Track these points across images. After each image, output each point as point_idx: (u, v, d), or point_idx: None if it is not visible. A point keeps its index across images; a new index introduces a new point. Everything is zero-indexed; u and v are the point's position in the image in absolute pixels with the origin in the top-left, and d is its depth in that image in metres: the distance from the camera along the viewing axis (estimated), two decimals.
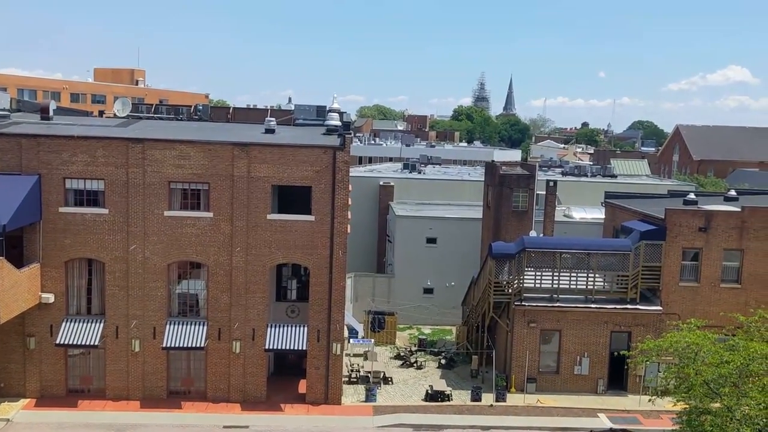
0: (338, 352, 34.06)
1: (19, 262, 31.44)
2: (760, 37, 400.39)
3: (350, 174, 33.74)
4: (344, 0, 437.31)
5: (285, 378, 36.54)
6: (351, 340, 39.77)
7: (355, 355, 40.50)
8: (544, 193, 48.25)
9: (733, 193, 45.48)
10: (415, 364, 40.35)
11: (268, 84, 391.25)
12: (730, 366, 23.38)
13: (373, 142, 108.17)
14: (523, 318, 36.48)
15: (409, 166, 69.42)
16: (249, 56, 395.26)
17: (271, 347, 33.39)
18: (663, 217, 36.82)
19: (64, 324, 32.80)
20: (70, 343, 32.48)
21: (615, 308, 36.59)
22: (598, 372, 36.72)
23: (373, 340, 41.24)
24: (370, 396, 34.87)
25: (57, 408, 32.42)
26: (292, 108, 49.07)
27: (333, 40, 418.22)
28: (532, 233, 42.96)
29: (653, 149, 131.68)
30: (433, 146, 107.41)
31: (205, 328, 33.33)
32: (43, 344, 33.07)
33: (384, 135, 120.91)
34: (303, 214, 33.20)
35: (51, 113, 37.47)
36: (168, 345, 32.81)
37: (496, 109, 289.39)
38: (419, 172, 68.02)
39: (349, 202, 33.99)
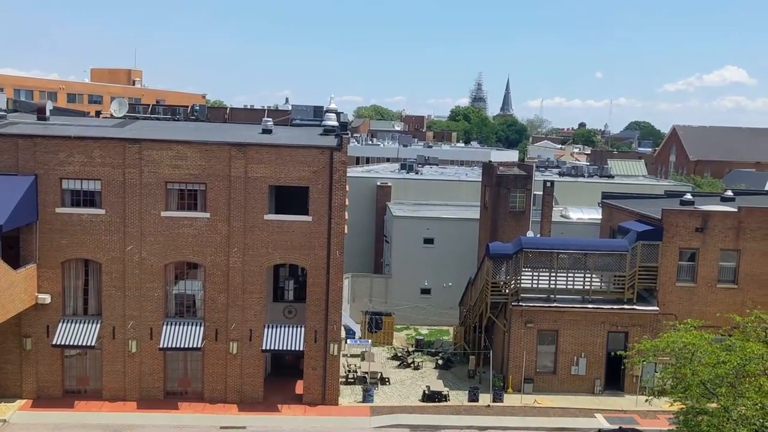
0: (335, 353, 34.04)
1: (15, 262, 31.40)
2: (756, 37, 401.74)
3: (347, 174, 33.69)
4: (342, 1, 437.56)
5: (282, 379, 36.52)
6: (348, 341, 39.77)
7: (352, 356, 40.49)
8: (541, 193, 48.26)
9: (729, 193, 45.56)
10: (412, 365, 40.35)
11: (265, 84, 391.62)
12: (727, 366, 23.41)
13: (370, 142, 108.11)
14: (520, 318, 36.50)
15: (407, 166, 69.39)
16: (246, 56, 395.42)
17: (268, 348, 33.36)
18: (660, 217, 36.88)
19: (60, 325, 32.74)
20: (67, 343, 32.44)
21: (612, 308, 36.63)
22: (595, 372, 36.75)
23: (370, 340, 41.22)
24: (367, 396, 34.86)
25: (54, 409, 32.37)
26: (290, 108, 49.04)
27: (330, 40, 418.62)
28: (530, 233, 42.98)
29: (650, 150, 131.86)
30: (431, 147, 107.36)
31: (202, 328, 33.30)
32: (40, 345, 33.00)
33: (381, 135, 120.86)
34: (300, 214, 33.18)
35: (48, 113, 37.39)
36: (165, 346, 32.77)
37: (493, 109, 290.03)
38: (416, 173, 67.99)
39: (347, 203, 33.96)
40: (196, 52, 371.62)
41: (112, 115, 44.38)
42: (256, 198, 32.71)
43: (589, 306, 36.64)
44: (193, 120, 47.24)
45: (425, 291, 51.34)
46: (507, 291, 37.15)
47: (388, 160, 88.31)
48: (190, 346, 32.81)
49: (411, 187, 61.83)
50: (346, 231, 33.76)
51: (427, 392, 35.56)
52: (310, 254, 33.26)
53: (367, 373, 36.99)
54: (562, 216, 52.74)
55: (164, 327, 33.12)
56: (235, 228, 32.78)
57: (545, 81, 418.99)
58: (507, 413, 34.08)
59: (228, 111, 61.86)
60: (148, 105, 53.52)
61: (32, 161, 31.74)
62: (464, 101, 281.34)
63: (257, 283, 33.31)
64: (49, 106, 39.03)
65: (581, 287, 37.03)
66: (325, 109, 40.11)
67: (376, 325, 44.73)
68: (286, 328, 33.88)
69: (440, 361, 40.72)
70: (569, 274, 37.12)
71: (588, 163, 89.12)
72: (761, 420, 21.95)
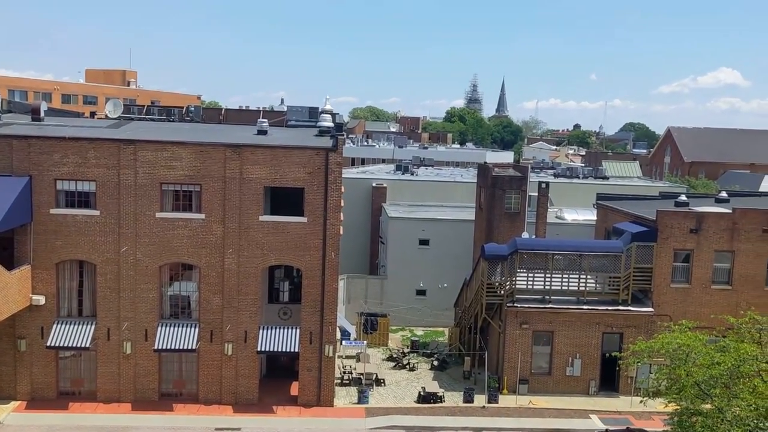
0: (331, 354, 34.02)
1: (9, 263, 31.31)
2: (750, 39, 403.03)
3: (343, 175, 33.71)
4: (337, 1, 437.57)
5: (277, 380, 36.48)
6: (343, 342, 39.76)
7: (347, 357, 40.46)
8: (537, 194, 48.37)
9: (724, 194, 45.70)
10: (407, 366, 40.34)
11: (260, 85, 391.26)
12: (721, 367, 23.49)
13: (365, 143, 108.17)
14: (515, 319, 36.54)
15: (402, 167, 69.43)
16: (241, 57, 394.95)
17: (263, 349, 33.31)
18: (654, 218, 36.95)
19: (55, 326, 32.64)
20: (61, 345, 32.34)
21: (607, 310, 36.69)
22: (590, 373, 36.80)
23: (365, 341, 41.23)
24: (362, 398, 34.84)
25: (48, 410, 32.26)
26: (285, 109, 49.06)
27: (326, 41, 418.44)
28: (525, 235, 43.07)
29: (645, 151, 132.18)
30: (426, 148, 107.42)
31: (197, 330, 33.24)
32: (34, 346, 32.90)
33: (377, 136, 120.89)
34: (295, 215, 33.16)
35: (42, 114, 37.32)
36: (160, 347, 32.69)
37: (488, 110, 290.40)
38: (412, 174, 68.04)
39: (342, 204, 33.97)
40: (191, 53, 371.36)
41: (106, 116, 44.33)
42: (251, 199, 32.67)
43: (584, 307, 36.69)
44: (188, 121, 47.19)
45: (420, 292, 51.37)
46: (502, 292, 37.18)
47: (383, 161, 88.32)
48: (185, 347, 32.74)
49: (406, 188, 61.87)
50: (341, 232, 33.76)
51: (422, 393, 35.55)
52: (306, 255, 33.23)
53: (362, 374, 36.96)
54: (557, 217, 52.84)
55: (159, 328, 33.04)
56: (230, 229, 32.73)
57: (540, 82, 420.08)
58: (502, 414, 34.10)
59: (223, 112, 61.81)
60: (143, 106, 53.41)
61: (27, 162, 31.65)
62: (459, 102, 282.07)
63: (252, 285, 33.27)
64: (44, 106, 38.99)
65: (576, 288, 37.08)
66: (320, 110, 40.11)
67: (371, 326, 44.73)
68: (281, 330, 33.84)
69: (435, 363, 40.73)
70: (564, 276, 37.16)
71: (583, 165, 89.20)
72: (755, 421, 22.02)
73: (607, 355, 35.46)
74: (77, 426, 31.11)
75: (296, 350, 33.45)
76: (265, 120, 38.63)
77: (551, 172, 72.82)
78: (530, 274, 37.11)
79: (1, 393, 32.99)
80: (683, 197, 43.20)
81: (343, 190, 34.04)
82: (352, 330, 43.14)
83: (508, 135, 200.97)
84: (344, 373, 37.64)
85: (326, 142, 34.19)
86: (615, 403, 35.81)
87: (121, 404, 33.22)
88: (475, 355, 39.27)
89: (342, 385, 36.77)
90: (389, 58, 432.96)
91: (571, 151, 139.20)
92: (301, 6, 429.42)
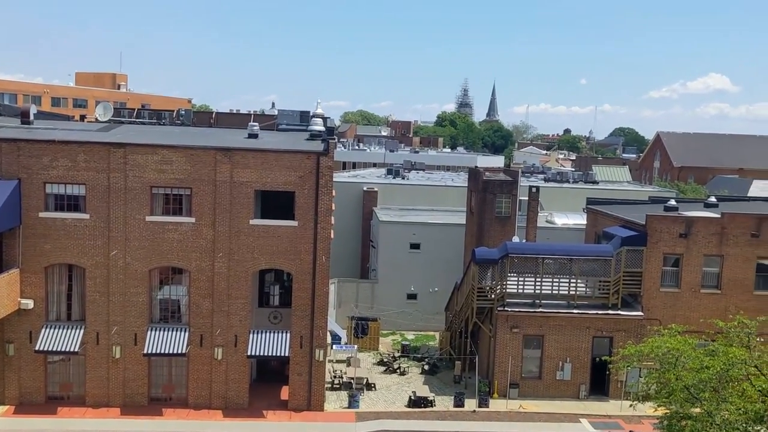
0: (321, 359, 33.95)
1: None
2: (739, 45, 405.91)
3: (334, 179, 33.68)
4: (328, 5, 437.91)
5: (267, 384, 36.39)
6: (334, 346, 39.67)
7: (338, 361, 40.40)
8: (527, 199, 48.47)
9: (713, 199, 45.99)
10: (398, 370, 40.32)
11: (251, 89, 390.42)
12: (710, 371, 23.54)
13: (356, 147, 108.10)
14: (505, 323, 36.59)
15: (393, 171, 69.43)
16: (232, 61, 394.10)
17: (253, 353, 33.21)
18: (644, 223, 37.12)
19: (43, 330, 32.44)
20: (50, 349, 32.12)
21: (597, 314, 36.80)
22: (580, 377, 36.89)
23: (356, 346, 41.11)
24: (352, 402, 34.80)
25: (36, 415, 32.05)
26: (276, 113, 48.97)
27: (317, 45, 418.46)
28: (515, 239, 43.17)
29: (634, 156, 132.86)
30: (417, 152, 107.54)
31: (187, 334, 33.11)
32: (22, 351, 32.67)
33: (368, 140, 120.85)
34: (286, 219, 33.11)
35: (31, 117, 37.11)
36: (149, 351, 32.53)
37: (479, 115, 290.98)
38: (403, 178, 68.08)
39: (333, 208, 33.95)
40: (182, 56, 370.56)
41: (96, 119, 44.18)
42: (241, 203, 32.60)
43: (575, 311, 36.80)
44: (178, 124, 47.07)
45: (411, 296, 51.33)
46: (493, 296, 37.24)
47: (374, 165, 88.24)
48: (175, 351, 32.60)
49: (397, 192, 61.89)
50: (332, 236, 33.72)
51: (413, 398, 35.53)
52: (296, 259, 33.18)
53: (352, 378, 36.90)
54: (547, 221, 53.00)
55: (148, 332, 32.89)
56: (220, 233, 32.65)
57: (531, 87, 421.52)
58: (492, 418, 34.13)
59: (214, 115, 61.58)
60: (134, 109, 53.23)
61: (16, 165, 31.48)
62: (450, 107, 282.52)
63: (242, 289, 33.19)
64: (33, 110, 38.79)
65: (566, 292, 37.19)
66: (311, 113, 40.07)
67: (362, 330, 44.67)
68: (272, 334, 33.76)
69: (426, 367, 40.73)
70: (554, 280, 37.28)
71: (573, 169, 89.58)
72: (744, 424, 22.10)
73: (597, 359, 35.53)
74: (66, 431, 30.91)
75: (286, 354, 33.37)
76: (256, 124, 38.54)
77: (541, 176, 73.09)
78: (521, 278, 37.18)
79: None
80: (672, 202, 43.41)
81: (334, 193, 34.02)
82: (342, 334, 43.06)
83: (498, 139, 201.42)
84: (335, 377, 37.58)
85: (317, 145, 34.16)
86: (605, 407, 35.90)
87: (110, 409, 33.02)
88: (466, 359, 39.29)
89: (332, 389, 36.71)
90: (380, 62, 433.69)
91: (561, 156, 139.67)
92: (293, 10, 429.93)
